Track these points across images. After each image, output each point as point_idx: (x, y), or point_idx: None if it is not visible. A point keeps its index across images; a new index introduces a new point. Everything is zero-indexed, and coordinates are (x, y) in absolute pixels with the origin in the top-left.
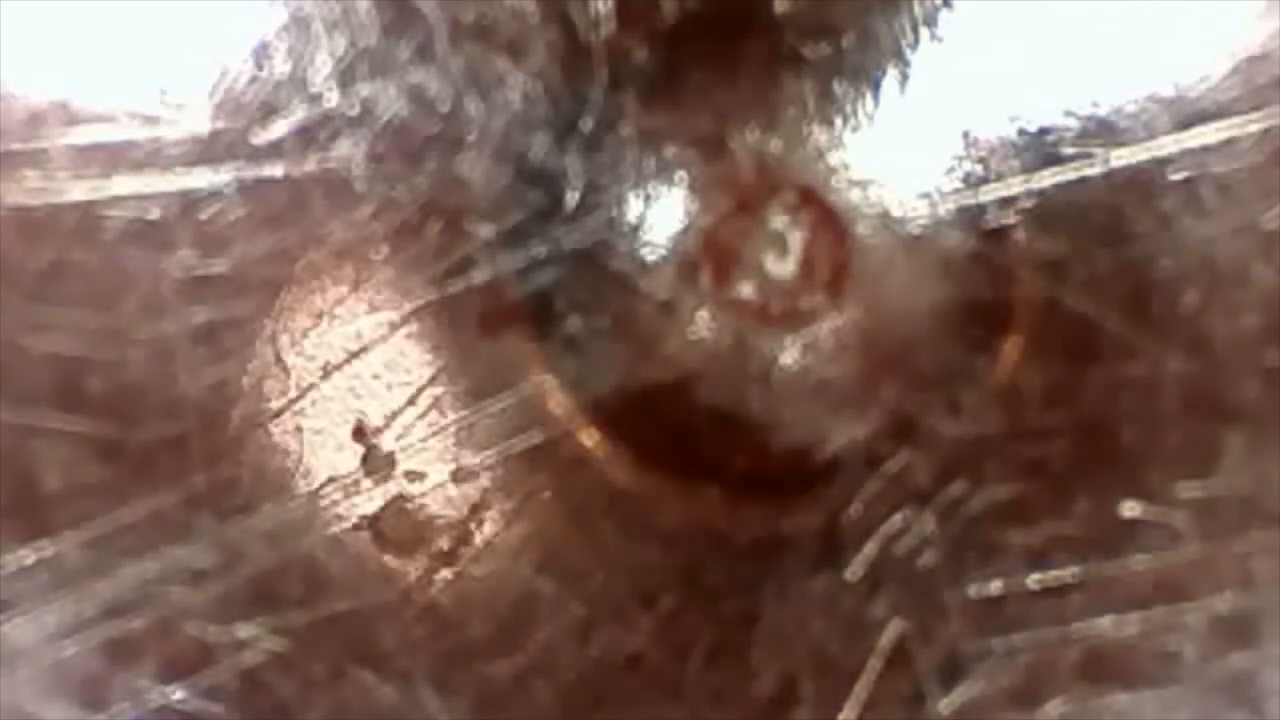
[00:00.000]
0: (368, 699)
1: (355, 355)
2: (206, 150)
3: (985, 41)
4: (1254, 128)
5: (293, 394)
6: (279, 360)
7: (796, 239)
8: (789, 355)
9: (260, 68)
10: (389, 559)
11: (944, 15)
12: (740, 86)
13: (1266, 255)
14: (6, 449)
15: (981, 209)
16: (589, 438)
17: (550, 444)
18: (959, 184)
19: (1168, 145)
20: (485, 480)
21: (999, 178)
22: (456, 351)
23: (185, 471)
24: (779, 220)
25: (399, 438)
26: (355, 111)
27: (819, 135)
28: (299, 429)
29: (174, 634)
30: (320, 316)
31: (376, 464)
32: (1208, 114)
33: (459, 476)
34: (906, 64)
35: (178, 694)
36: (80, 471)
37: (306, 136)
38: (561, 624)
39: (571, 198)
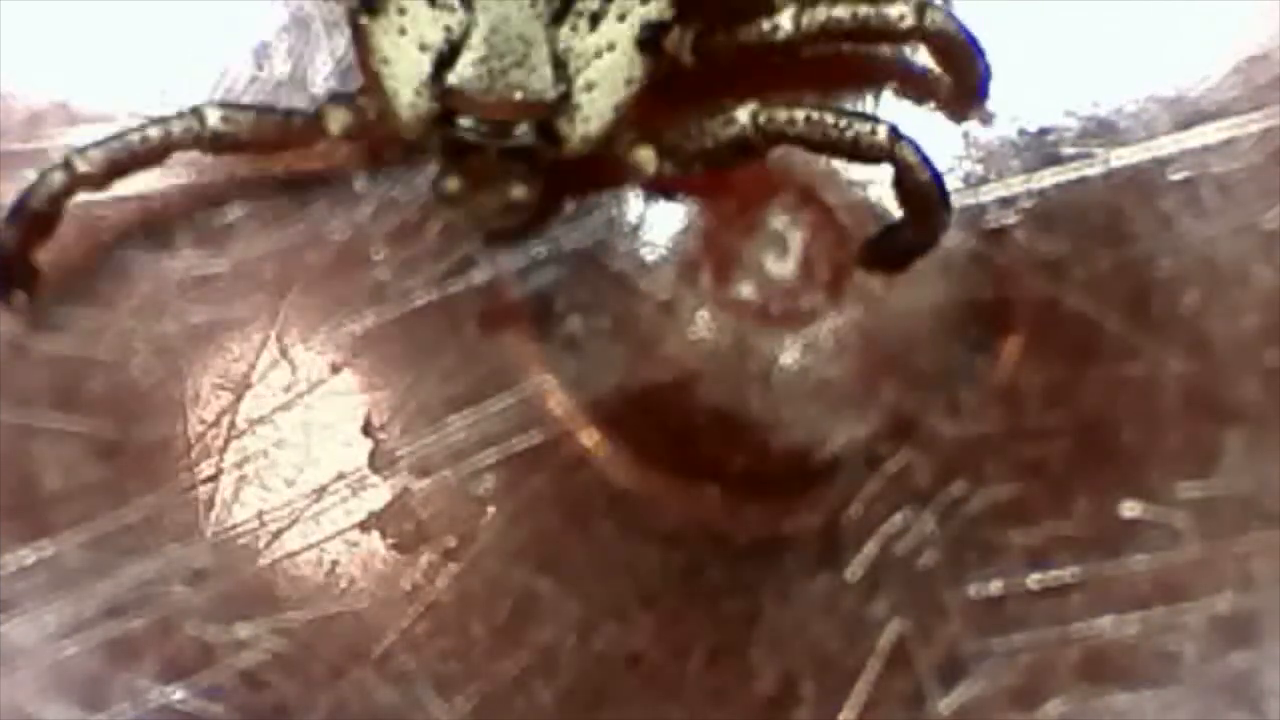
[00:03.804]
0: (368, 699)
1: (355, 355)
2: None
3: (985, 41)
4: (1254, 128)
5: (294, 394)
6: (280, 360)
7: (796, 239)
8: (789, 355)
9: (260, 68)
10: (393, 556)
11: None
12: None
13: (1266, 255)
14: (6, 449)
15: (981, 209)
16: (589, 438)
17: (550, 444)
18: (959, 184)
19: (1168, 145)
20: (486, 480)
21: (999, 178)
22: (456, 351)
23: (186, 471)
24: (779, 220)
25: (400, 438)
26: None
27: None
28: (304, 425)
29: (174, 634)
30: (320, 316)
31: (382, 460)
32: (1208, 114)
33: (459, 476)
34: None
35: (178, 694)
36: (80, 471)
37: None
38: (561, 624)
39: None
